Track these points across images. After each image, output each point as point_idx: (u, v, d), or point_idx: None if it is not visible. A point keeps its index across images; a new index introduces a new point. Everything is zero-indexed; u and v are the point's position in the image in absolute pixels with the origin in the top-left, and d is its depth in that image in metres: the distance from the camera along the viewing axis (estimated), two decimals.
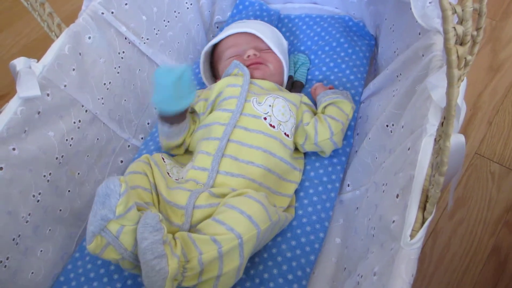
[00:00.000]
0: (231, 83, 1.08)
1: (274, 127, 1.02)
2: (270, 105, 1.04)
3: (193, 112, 1.11)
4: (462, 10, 0.44)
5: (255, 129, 1.01)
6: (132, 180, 0.93)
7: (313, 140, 1.04)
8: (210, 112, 1.08)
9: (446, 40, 0.45)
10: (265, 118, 1.02)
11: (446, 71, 0.47)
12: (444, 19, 0.44)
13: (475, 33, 0.47)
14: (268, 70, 1.14)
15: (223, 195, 0.92)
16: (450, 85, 0.48)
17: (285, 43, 1.25)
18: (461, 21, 0.45)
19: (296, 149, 1.08)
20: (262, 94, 1.07)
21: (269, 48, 1.17)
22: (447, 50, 0.45)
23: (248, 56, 1.14)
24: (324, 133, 1.03)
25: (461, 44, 0.46)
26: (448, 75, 0.47)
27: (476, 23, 0.48)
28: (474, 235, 1.21)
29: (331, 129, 1.03)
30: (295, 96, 1.09)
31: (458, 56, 0.46)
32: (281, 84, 1.19)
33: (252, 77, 1.11)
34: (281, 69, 1.17)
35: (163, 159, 1.03)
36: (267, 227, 0.86)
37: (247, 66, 1.12)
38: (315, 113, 1.10)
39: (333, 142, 1.04)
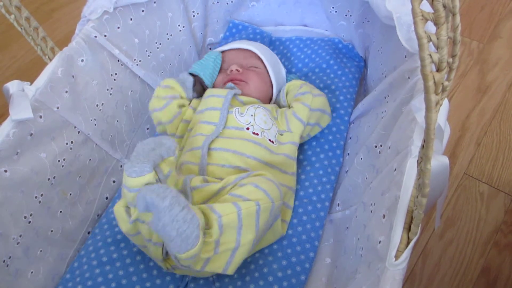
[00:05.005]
0: (215, 94, 1.11)
1: (257, 134, 1.04)
2: (252, 115, 1.06)
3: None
4: (437, 39, 0.46)
5: (238, 137, 1.03)
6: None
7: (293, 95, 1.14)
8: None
9: (422, 67, 0.47)
10: (247, 128, 1.04)
11: (424, 97, 0.49)
12: (420, 46, 0.46)
13: (450, 60, 0.49)
14: (247, 87, 1.15)
15: None
16: (428, 110, 0.49)
17: (283, 69, 1.26)
18: (437, 49, 0.47)
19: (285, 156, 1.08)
20: (243, 105, 1.09)
21: (259, 68, 1.18)
22: (424, 76, 0.47)
23: (231, 71, 1.16)
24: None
25: (438, 70, 0.48)
26: (426, 100, 0.49)
27: (451, 50, 0.49)
28: (464, 256, 1.22)
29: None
30: (272, 106, 1.13)
31: (435, 82, 0.48)
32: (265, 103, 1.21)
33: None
34: (265, 89, 1.18)
35: None
36: (279, 205, 0.89)
37: (228, 81, 1.15)
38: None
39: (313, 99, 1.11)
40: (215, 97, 1.10)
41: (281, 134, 1.08)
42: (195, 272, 0.90)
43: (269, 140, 1.05)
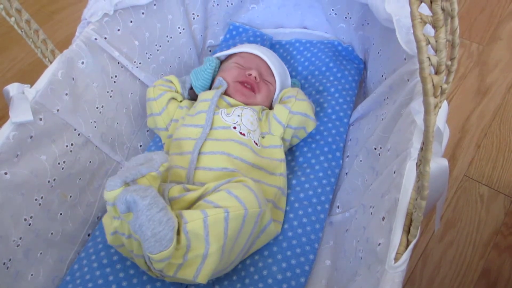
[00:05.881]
0: (203, 98, 1.12)
1: (244, 135, 1.04)
2: (238, 115, 1.07)
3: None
4: (436, 41, 0.46)
5: (226, 138, 1.03)
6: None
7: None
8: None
9: (421, 70, 0.47)
10: (234, 127, 1.05)
11: (423, 99, 0.49)
12: (419, 49, 0.46)
13: (449, 62, 0.49)
14: (253, 98, 1.14)
15: None
16: (427, 112, 0.49)
17: (289, 80, 1.26)
18: (435, 52, 0.47)
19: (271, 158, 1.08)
20: (230, 107, 1.10)
21: (272, 84, 1.18)
22: (422, 79, 0.47)
23: (250, 74, 1.15)
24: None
25: (436, 73, 0.48)
26: (425, 103, 0.49)
27: (450, 53, 0.50)
28: (464, 257, 1.22)
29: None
30: (259, 107, 1.13)
31: (433, 85, 0.48)
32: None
33: (232, 96, 1.13)
34: (265, 102, 1.17)
35: None
36: (256, 213, 0.87)
37: (241, 82, 1.14)
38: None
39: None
40: (203, 102, 1.11)
41: (263, 137, 1.09)
42: (172, 278, 0.89)
43: (254, 142, 1.05)
